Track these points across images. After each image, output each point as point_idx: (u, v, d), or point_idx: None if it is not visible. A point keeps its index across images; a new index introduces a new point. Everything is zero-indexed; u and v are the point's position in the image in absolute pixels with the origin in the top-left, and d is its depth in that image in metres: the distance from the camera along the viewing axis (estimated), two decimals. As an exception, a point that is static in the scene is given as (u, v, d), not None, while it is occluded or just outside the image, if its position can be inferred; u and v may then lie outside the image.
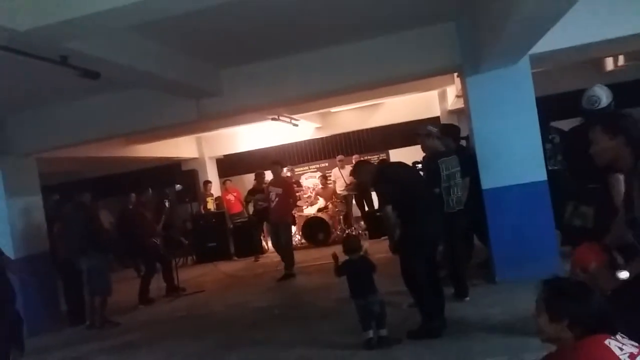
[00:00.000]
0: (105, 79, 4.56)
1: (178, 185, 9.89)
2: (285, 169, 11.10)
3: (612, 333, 1.67)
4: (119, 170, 11.55)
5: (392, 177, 4.49)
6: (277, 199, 7.70)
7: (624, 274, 2.19)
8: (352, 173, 4.76)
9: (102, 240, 6.67)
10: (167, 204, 8.46)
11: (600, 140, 2.44)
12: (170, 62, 5.00)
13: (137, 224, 7.60)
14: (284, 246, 7.78)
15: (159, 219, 8.26)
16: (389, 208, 4.28)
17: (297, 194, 9.04)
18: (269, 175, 10.66)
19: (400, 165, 4.97)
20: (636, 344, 1.66)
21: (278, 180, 7.95)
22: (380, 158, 11.41)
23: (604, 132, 2.43)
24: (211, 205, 11.00)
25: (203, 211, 10.93)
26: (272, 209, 7.81)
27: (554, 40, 4.75)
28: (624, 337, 1.68)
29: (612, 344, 1.63)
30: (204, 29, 4.49)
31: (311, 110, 10.07)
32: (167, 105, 6.24)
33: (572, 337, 1.73)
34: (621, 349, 1.61)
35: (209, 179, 11.53)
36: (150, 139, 9.83)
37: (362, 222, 10.52)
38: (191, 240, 10.66)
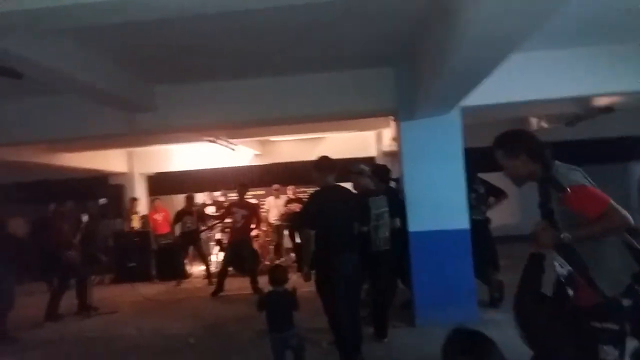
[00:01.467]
0: (32, 81, 4.32)
1: (102, 199, 9.46)
2: (216, 193, 10.94)
3: None
4: (39, 177, 10.84)
5: (322, 201, 4.38)
6: (242, 220, 8.04)
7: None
8: (314, 164, 4.52)
9: (9, 248, 6.21)
10: (84, 218, 7.99)
11: (507, 164, 2.55)
12: (102, 71, 4.78)
13: (52, 234, 7.15)
14: (250, 266, 8.09)
15: (76, 231, 7.79)
16: (311, 232, 4.25)
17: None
18: (198, 198, 10.55)
19: (339, 191, 4.61)
20: None
21: (243, 202, 8.28)
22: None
23: (507, 155, 2.55)
24: (136, 224, 10.53)
25: (127, 229, 10.44)
26: (237, 229, 8.10)
27: (485, 95, 5.02)
28: None
29: None
30: (142, 41, 4.35)
31: (250, 136, 10.01)
32: (98, 115, 5.96)
33: None
34: None
35: (136, 196, 11.06)
36: (77, 148, 9.35)
37: (293, 254, 10.44)
38: (111, 258, 10.10)
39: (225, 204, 9.66)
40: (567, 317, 2.34)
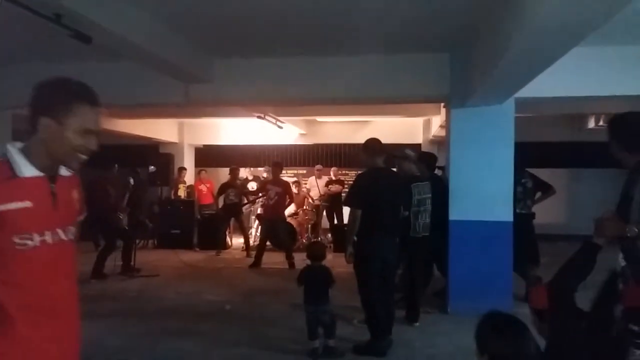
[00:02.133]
0: (98, 46, 4.51)
1: (152, 167, 9.76)
2: (262, 169, 11.14)
3: None
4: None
5: (373, 182, 4.39)
6: (276, 197, 8.28)
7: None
8: (363, 145, 4.60)
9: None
10: (131, 182, 8.29)
11: (609, 142, 2.47)
12: (165, 41, 4.94)
13: (101, 197, 7.48)
14: (283, 240, 8.41)
15: (124, 195, 8.09)
16: (359, 212, 4.29)
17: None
18: (242, 173, 10.77)
19: (389, 174, 4.69)
20: None
21: (278, 180, 8.51)
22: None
23: (608, 133, 2.49)
24: (182, 193, 10.87)
25: (173, 197, 10.79)
26: (271, 206, 8.39)
27: (541, 88, 4.88)
28: None
29: None
30: (206, 13, 4.47)
31: (298, 115, 10.09)
32: (156, 84, 6.14)
33: None
34: None
35: (184, 166, 11.39)
36: (131, 115, 9.69)
37: (329, 234, 10.54)
38: (156, 224, 10.50)
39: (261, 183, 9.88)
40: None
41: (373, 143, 4.59)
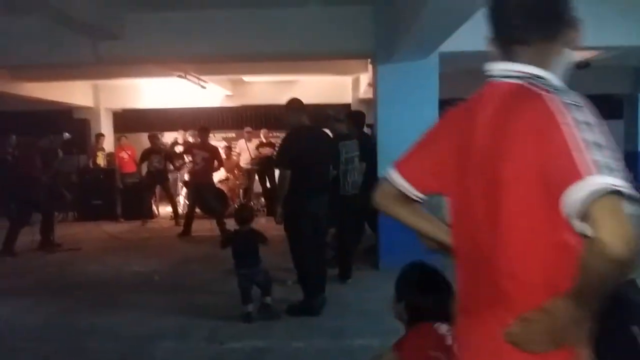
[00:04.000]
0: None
1: (66, 134, 9.08)
2: (187, 133, 10.69)
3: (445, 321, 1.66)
4: (-1, 108, 10.33)
5: (301, 141, 4.32)
6: (202, 163, 7.93)
7: None
8: (285, 106, 4.53)
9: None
10: (60, 154, 7.70)
11: None
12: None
13: (22, 168, 6.87)
14: (213, 207, 7.98)
15: (50, 167, 7.46)
16: (287, 172, 4.19)
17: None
18: (167, 137, 10.30)
19: (317, 133, 4.66)
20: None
21: (205, 144, 8.13)
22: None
23: None
24: (101, 161, 10.22)
25: (92, 166, 10.15)
26: (197, 171, 8.06)
27: (464, 42, 4.89)
28: None
29: (440, 326, 1.71)
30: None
31: (222, 74, 9.67)
32: (62, 41, 5.63)
33: (407, 319, 1.83)
34: (447, 330, 1.67)
35: (102, 132, 10.68)
36: (40, 78, 8.89)
37: (262, 199, 10.40)
38: (75, 195, 9.86)
39: (185, 146, 9.47)
40: None
41: (295, 101, 4.55)
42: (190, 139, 10.30)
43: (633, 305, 1.49)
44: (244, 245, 4.19)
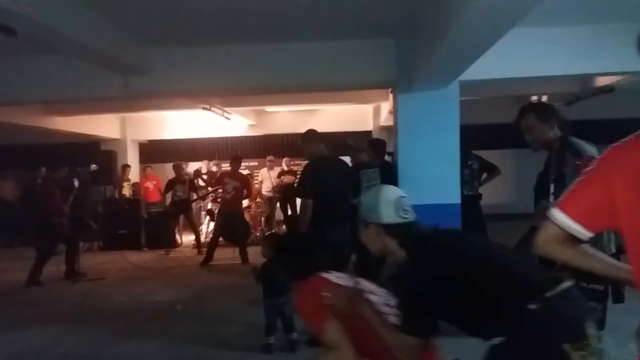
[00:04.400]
0: (26, 39, 4.19)
1: (94, 165, 9.37)
2: (211, 163, 10.85)
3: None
4: (30, 140, 10.70)
5: (321, 171, 4.33)
6: (233, 191, 8.06)
7: None
8: (301, 137, 4.62)
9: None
10: (76, 184, 7.90)
11: (536, 127, 2.68)
12: (98, 30, 4.66)
13: (44, 200, 7.06)
14: (240, 235, 8.17)
15: (67, 198, 7.71)
16: (310, 202, 4.19)
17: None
18: (192, 167, 10.46)
19: (337, 162, 4.69)
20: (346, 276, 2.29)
21: (236, 173, 8.28)
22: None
23: (539, 119, 2.66)
24: (127, 191, 10.43)
25: (117, 196, 10.36)
26: (228, 200, 8.16)
27: (484, 70, 4.93)
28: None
29: (329, 274, 2.30)
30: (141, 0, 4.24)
31: (246, 106, 9.87)
32: (92, 77, 5.83)
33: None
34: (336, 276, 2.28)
35: (129, 163, 10.94)
36: (70, 112, 9.22)
37: (284, 226, 10.41)
38: (101, 225, 10.05)
39: (218, 175, 9.60)
40: None
41: (311, 132, 4.61)
42: (214, 169, 10.46)
43: (565, 323, 1.54)
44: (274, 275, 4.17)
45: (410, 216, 2.00)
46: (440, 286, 1.72)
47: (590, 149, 2.51)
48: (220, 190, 8.43)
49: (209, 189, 9.45)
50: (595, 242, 2.34)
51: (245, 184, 8.25)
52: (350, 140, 5.40)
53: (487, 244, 1.91)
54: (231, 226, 8.17)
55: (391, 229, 1.97)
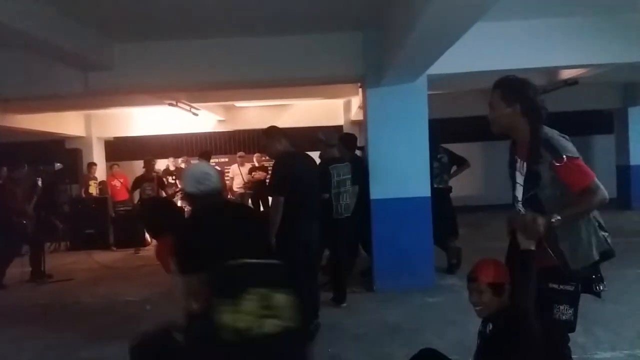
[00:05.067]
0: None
1: (58, 164, 9.10)
2: (179, 160, 10.67)
3: None
4: (-9, 139, 10.33)
5: (292, 167, 4.25)
6: None
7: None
8: (264, 135, 4.48)
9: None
10: (39, 183, 7.66)
11: (497, 106, 2.39)
12: (55, 25, 4.48)
13: (5, 200, 6.82)
14: None
15: (30, 198, 7.45)
16: (281, 199, 4.14)
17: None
18: (160, 164, 10.27)
19: (304, 158, 4.57)
20: None
21: None
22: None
23: (502, 98, 2.37)
24: (93, 190, 10.17)
25: (84, 195, 10.09)
26: None
27: (451, 64, 4.98)
28: None
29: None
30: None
31: (214, 101, 9.73)
32: (51, 73, 5.66)
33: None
34: None
35: (94, 161, 10.66)
36: (31, 109, 8.91)
37: (255, 222, 10.34)
38: (67, 225, 9.79)
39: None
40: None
41: (272, 129, 4.49)
42: (183, 165, 10.29)
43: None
44: None
45: (204, 189, 2.44)
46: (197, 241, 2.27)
47: (567, 145, 2.26)
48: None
49: (179, 186, 9.28)
50: (576, 248, 2.25)
51: None
52: (321, 134, 5.37)
53: (239, 243, 2.25)
54: None
55: (189, 196, 2.55)
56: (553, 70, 7.81)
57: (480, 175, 10.76)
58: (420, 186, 5.50)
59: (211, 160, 8.42)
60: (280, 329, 2.01)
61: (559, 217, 2.15)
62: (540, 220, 2.14)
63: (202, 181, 2.44)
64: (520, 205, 2.45)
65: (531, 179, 2.33)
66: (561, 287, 2.31)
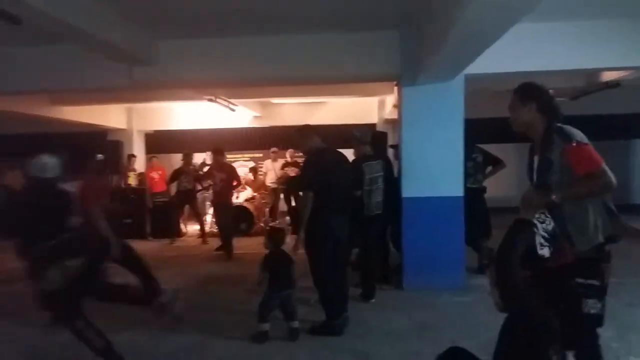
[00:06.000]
0: (30, 28, 4.23)
1: (100, 155, 9.40)
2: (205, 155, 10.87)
3: None
4: (37, 130, 10.76)
5: (323, 163, 4.33)
6: (221, 184, 7.99)
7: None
8: (297, 133, 4.63)
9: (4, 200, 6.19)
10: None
11: (515, 107, 2.66)
12: (104, 21, 4.68)
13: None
14: (225, 227, 8.11)
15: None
16: (311, 194, 4.22)
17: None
18: (197, 158, 10.50)
19: (336, 154, 4.62)
20: None
21: (221, 165, 8.18)
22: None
23: (519, 100, 2.64)
24: (132, 181, 10.50)
25: (123, 185, 10.43)
26: (217, 192, 8.15)
27: (489, 64, 4.94)
28: None
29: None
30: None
31: (251, 97, 9.90)
32: (98, 67, 5.87)
33: None
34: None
35: (134, 153, 11.00)
36: (76, 101, 9.27)
37: (288, 217, 10.48)
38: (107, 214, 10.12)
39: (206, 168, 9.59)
40: (541, 278, 2.44)
41: (304, 128, 4.63)
42: (208, 160, 10.48)
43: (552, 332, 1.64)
44: (279, 267, 4.20)
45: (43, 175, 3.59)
46: None
47: (578, 133, 2.46)
48: (210, 183, 8.41)
49: (209, 181, 9.39)
50: (582, 231, 2.39)
51: (232, 175, 8.12)
52: (356, 131, 5.42)
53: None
54: (220, 218, 8.21)
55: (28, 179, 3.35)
56: (593, 72, 7.61)
57: (514, 176, 10.54)
58: (453, 185, 5.47)
59: (224, 155, 8.46)
60: None
61: (559, 195, 2.40)
62: (540, 194, 2.46)
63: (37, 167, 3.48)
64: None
65: (544, 165, 2.53)
66: (588, 281, 2.41)
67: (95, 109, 10.14)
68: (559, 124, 2.53)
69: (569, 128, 2.49)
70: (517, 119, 2.67)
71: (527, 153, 2.74)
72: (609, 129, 10.27)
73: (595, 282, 2.41)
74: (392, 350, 3.98)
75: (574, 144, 2.39)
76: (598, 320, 2.44)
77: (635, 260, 6.23)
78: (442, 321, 4.55)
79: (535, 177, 2.62)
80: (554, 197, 2.40)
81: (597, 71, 7.37)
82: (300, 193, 4.47)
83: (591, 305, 2.40)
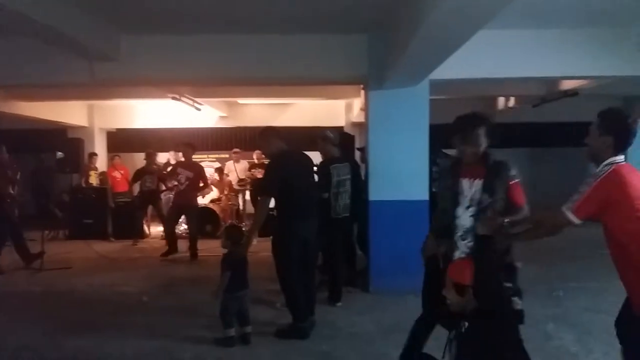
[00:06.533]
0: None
1: (59, 153, 9.10)
2: (179, 154, 10.67)
3: None
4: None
5: (286, 166, 4.27)
6: (187, 182, 7.64)
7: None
8: (259, 135, 4.56)
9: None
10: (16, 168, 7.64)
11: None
12: (63, 13, 4.51)
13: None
14: (191, 229, 7.83)
15: (13, 182, 7.38)
16: (269, 200, 4.18)
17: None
18: (161, 157, 10.30)
19: (300, 157, 4.58)
20: None
21: (189, 163, 7.82)
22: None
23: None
24: (94, 180, 10.20)
25: (84, 185, 10.13)
26: (181, 191, 7.74)
27: (453, 70, 5.03)
28: None
29: None
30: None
31: (217, 97, 9.77)
32: (57, 62, 5.66)
33: None
34: None
35: (96, 152, 10.69)
36: (35, 97, 8.94)
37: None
38: (66, 214, 9.82)
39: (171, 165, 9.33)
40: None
41: (267, 130, 4.56)
42: (171, 159, 10.28)
43: None
44: (237, 266, 4.14)
45: None
46: None
47: (517, 172, 2.94)
48: (175, 182, 7.98)
49: (174, 182, 9.13)
50: None
51: (199, 175, 7.79)
52: (329, 132, 5.42)
53: None
54: (187, 220, 8.05)
55: None
56: (553, 81, 7.87)
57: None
58: (418, 189, 5.54)
59: (194, 152, 8.19)
60: None
61: (507, 220, 2.80)
62: (493, 218, 2.83)
63: None
64: None
65: (489, 192, 2.97)
66: (505, 284, 2.78)
67: (55, 105, 9.81)
68: (494, 157, 2.96)
69: (508, 164, 2.96)
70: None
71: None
72: (567, 136, 10.63)
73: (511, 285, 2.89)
74: (359, 352, 4.00)
75: (514, 184, 2.92)
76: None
77: (596, 265, 6.45)
78: (409, 323, 4.57)
79: (478, 198, 2.94)
80: (505, 222, 2.79)
81: (556, 79, 7.62)
82: (259, 197, 4.41)
83: (516, 302, 2.93)
